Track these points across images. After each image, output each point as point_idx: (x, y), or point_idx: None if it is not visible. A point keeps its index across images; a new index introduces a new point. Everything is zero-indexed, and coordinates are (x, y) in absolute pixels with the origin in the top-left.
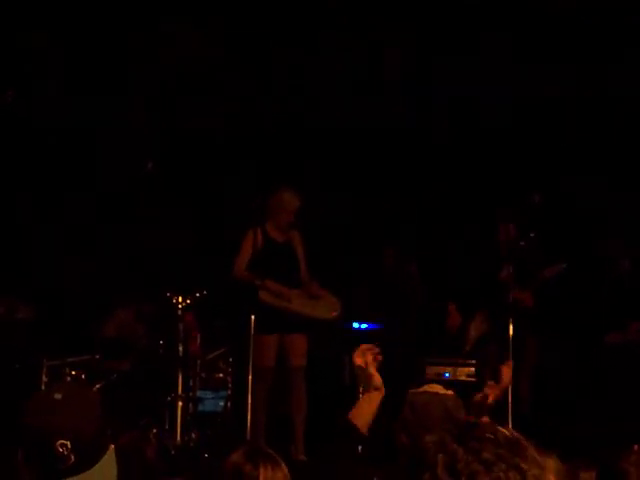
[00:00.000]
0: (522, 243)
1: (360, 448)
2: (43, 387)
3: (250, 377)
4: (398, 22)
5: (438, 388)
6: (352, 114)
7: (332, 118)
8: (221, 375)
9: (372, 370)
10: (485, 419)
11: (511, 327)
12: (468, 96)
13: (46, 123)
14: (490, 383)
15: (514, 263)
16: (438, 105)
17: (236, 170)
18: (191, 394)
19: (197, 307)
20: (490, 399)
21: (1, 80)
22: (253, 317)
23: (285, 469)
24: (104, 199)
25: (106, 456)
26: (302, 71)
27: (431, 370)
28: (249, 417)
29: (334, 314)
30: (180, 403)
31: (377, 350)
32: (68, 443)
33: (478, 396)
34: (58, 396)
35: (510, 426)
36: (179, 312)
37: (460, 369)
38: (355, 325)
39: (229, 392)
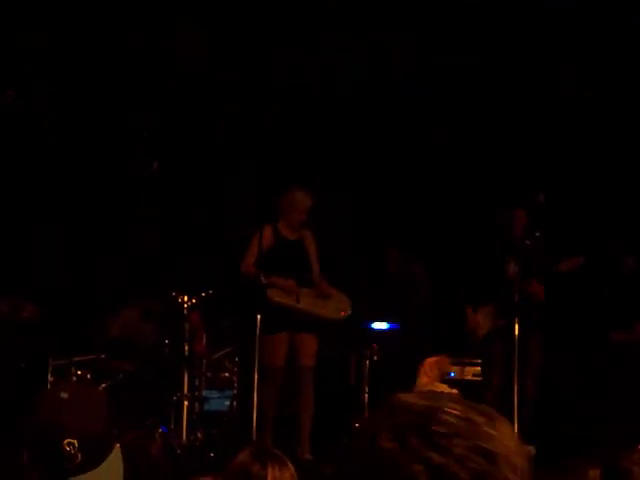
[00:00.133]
0: (527, 242)
1: None
2: (49, 387)
3: (256, 376)
4: (398, 22)
5: (443, 387)
6: (352, 114)
7: (332, 118)
8: (227, 374)
9: (437, 384)
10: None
11: (517, 327)
12: (468, 96)
13: (46, 123)
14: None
15: (519, 262)
16: (438, 105)
17: (236, 170)
18: (197, 393)
19: (203, 306)
20: None
21: (1, 80)
22: (259, 317)
23: (292, 469)
24: (104, 199)
25: (112, 455)
26: (302, 71)
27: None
28: (255, 416)
29: (343, 314)
30: (186, 402)
31: (445, 361)
32: (75, 442)
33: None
34: (64, 395)
35: (516, 425)
36: (185, 311)
37: (466, 368)
38: (374, 325)
39: (235, 391)
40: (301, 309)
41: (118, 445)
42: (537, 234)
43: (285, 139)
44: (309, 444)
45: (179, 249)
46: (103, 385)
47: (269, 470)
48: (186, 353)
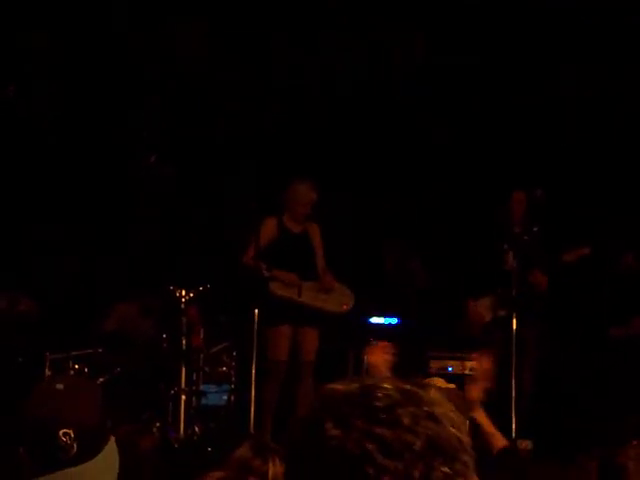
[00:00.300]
0: (525, 237)
1: None
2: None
3: (253, 371)
4: (398, 22)
5: (440, 382)
6: (352, 114)
7: (332, 118)
8: (224, 369)
9: (384, 369)
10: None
11: (514, 320)
12: (468, 96)
13: (46, 123)
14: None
15: (518, 256)
16: (438, 105)
17: (236, 170)
18: (194, 388)
19: (200, 301)
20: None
21: (1, 80)
22: (257, 311)
23: None
24: (104, 199)
25: (107, 447)
26: (302, 71)
27: (435, 364)
28: (252, 411)
29: (345, 308)
30: (183, 397)
31: (392, 349)
32: (71, 432)
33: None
34: (60, 386)
35: (513, 419)
36: (182, 306)
37: (465, 363)
38: (372, 320)
39: (232, 386)
40: (303, 302)
41: (113, 437)
42: (535, 229)
43: (285, 139)
44: None
45: (179, 248)
46: (100, 379)
47: (270, 464)
48: (184, 347)
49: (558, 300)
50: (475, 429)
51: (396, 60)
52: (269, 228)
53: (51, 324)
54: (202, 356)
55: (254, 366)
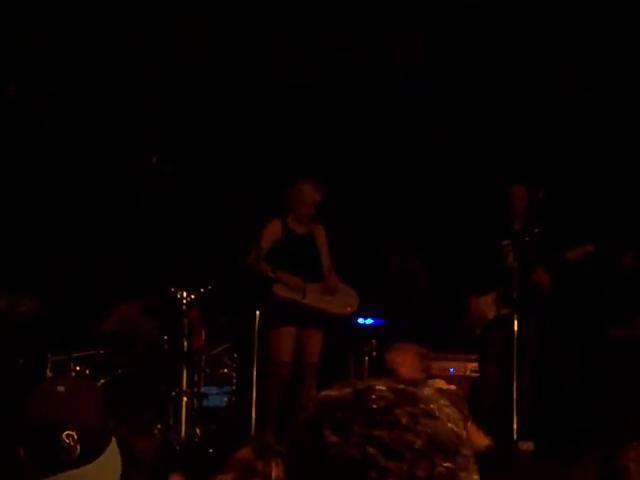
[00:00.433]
0: (527, 239)
1: None
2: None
3: (254, 373)
4: (398, 22)
5: (441, 383)
6: (352, 114)
7: (332, 118)
8: (226, 370)
9: (405, 371)
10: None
11: (515, 322)
12: (468, 96)
13: (46, 123)
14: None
15: (519, 257)
16: (438, 105)
17: (236, 170)
18: (196, 389)
19: (202, 302)
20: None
21: (1, 80)
22: (258, 313)
23: None
24: (104, 199)
25: (109, 448)
26: (302, 71)
27: (436, 365)
28: (254, 412)
29: (349, 309)
30: (185, 398)
31: (418, 350)
32: (74, 434)
33: None
34: (61, 388)
35: (515, 420)
36: (184, 307)
37: (466, 364)
38: (360, 320)
39: (234, 387)
40: (307, 304)
41: (114, 438)
42: (536, 230)
43: (285, 139)
44: None
45: (179, 249)
46: (102, 381)
47: (273, 466)
48: (185, 349)
49: (560, 299)
50: None
51: (396, 60)
52: (273, 229)
53: (52, 325)
54: (203, 358)
55: (255, 368)
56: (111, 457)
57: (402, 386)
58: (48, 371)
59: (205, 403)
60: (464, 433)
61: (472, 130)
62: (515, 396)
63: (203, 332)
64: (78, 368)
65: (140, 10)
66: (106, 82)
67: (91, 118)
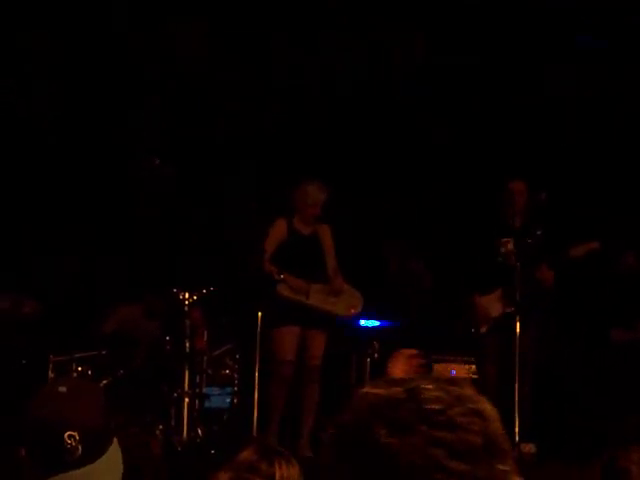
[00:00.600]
0: (529, 241)
1: None
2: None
3: (257, 374)
4: (398, 22)
5: None
6: (352, 114)
7: (332, 118)
8: (228, 371)
9: (399, 375)
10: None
11: (517, 324)
12: (468, 96)
13: (46, 123)
14: None
15: (521, 259)
16: (438, 105)
17: (236, 170)
18: (198, 390)
19: (204, 303)
20: None
21: (1, 80)
22: (260, 314)
23: (297, 466)
24: (104, 199)
25: (111, 449)
26: (302, 71)
27: (438, 367)
28: (255, 414)
29: (353, 311)
30: (186, 399)
31: (419, 358)
32: (76, 434)
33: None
34: (63, 389)
35: (516, 423)
36: (186, 308)
37: (466, 366)
38: (364, 322)
39: (236, 388)
40: (311, 305)
41: (116, 439)
42: (538, 232)
43: (285, 139)
44: (309, 441)
45: (179, 249)
46: (104, 381)
47: (276, 468)
48: (187, 350)
49: (563, 297)
50: None
51: (396, 60)
52: (279, 230)
53: (54, 326)
54: (205, 359)
55: (257, 369)
56: (113, 457)
57: (449, 385)
58: (50, 372)
59: (207, 404)
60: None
61: (472, 130)
62: (517, 398)
63: (205, 333)
64: (80, 369)
65: (140, 10)
66: (106, 82)
67: (91, 118)
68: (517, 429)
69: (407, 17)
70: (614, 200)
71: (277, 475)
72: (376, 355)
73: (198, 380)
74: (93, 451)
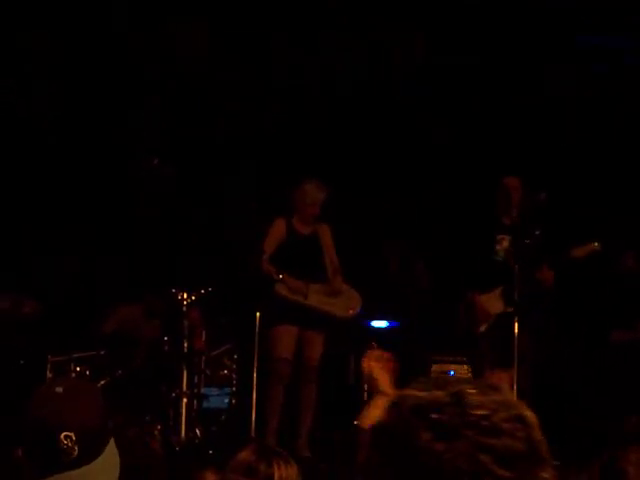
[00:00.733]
0: (527, 241)
1: None
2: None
3: (255, 374)
4: (398, 22)
5: None
6: (352, 114)
7: (332, 118)
8: (226, 372)
9: (377, 374)
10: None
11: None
12: (468, 96)
13: (46, 123)
14: None
15: (520, 260)
16: (438, 105)
17: (236, 170)
18: (196, 390)
19: (202, 303)
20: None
21: (1, 80)
22: (259, 314)
23: (295, 466)
24: (104, 199)
25: (107, 449)
26: (302, 71)
27: (436, 367)
28: (254, 414)
29: (351, 312)
30: (185, 399)
31: (387, 356)
32: (72, 435)
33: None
34: (59, 389)
35: None
36: (184, 308)
37: (466, 367)
38: (374, 324)
39: (234, 389)
40: (309, 305)
41: (113, 439)
42: (537, 232)
43: (285, 139)
44: (307, 441)
45: (179, 249)
46: (102, 382)
47: (275, 468)
48: (185, 350)
49: (563, 297)
50: None
51: (396, 60)
52: (278, 229)
53: (52, 325)
54: (203, 359)
55: (256, 369)
56: (109, 458)
57: (490, 390)
58: (48, 372)
59: (205, 404)
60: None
61: (472, 130)
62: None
63: (203, 333)
64: (78, 369)
65: (140, 10)
66: (106, 82)
67: (91, 118)
68: None
69: (407, 17)
70: (614, 200)
71: (276, 475)
72: None
73: (196, 380)
74: (90, 452)
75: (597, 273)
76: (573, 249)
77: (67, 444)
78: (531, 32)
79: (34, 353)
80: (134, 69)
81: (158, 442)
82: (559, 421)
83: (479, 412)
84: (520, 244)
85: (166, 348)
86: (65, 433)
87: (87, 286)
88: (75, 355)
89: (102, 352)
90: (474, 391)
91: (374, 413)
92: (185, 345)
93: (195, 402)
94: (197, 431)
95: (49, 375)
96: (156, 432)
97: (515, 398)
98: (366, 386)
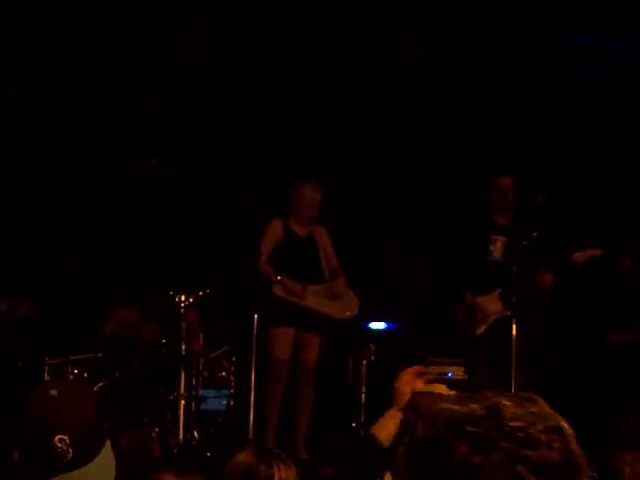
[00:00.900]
0: (525, 243)
1: None
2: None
3: (253, 376)
4: (398, 22)
5: (442, 389)
6: (352, 114)
7: (332, 118)
8: (224, 374)
9: (405, 389)
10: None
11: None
12: (468, 96)
13: (46, 123)
14: None
15: (517, 262)
16: (438, 105)
17: (236, 170)
18: (194, 392)
19: (200, 305)
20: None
21: (1, 80)
22: (256, 316)
23: (294, 468)
24: (104, 199)
25: (103, 451)
26: (302, 71)
27: (435, 369)
28: (252, 416)
29: (349, 314)
30: (183, 402)
31: (428, 373)
32: (66, 438)
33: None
34: (54, 392)
35: None
36: (182, 310)
37: (463, 368)
38: (372, 325)
39: (232, 391)
40: (306, 306)
41: (109, 441)
42: (535, 234)
43: (285, 139)
44: (304, 443)
45: (179, 249)
46: (100, 384)
47: (275, 470)
48: (183, 352)
49: (562, 300)
50: None
51: (396, 60)
52: (275, 231)
53: (50, 327)
54: (201, 361)
55: (254, 371)
56: (105, 460)
57: (525, 402)
58: (46, 374)
59: (203, 406)
60: None
61: (472, 130)
62: None
63: (201, 335)
64: (76, 371)
65: (140, 10)
66: (106, 82)
67: (91, 118)
68: None
69: (407, 17)
70: (614, 200)
71: (276, 477)
72: (372, 357)
73: (194, 382)
74: (84, 454)
75: (595, 275)
76: (574, 254)
77: (61, 447)
78: (531, 32)
79: (31, 355)
80: (134, 69)
81: (156, 444)
82: None
83: (515, 424)
84: (517, 245)
85: (164, 350)
86: (59, 436)
87: (87, 286)
88: (73, 357)
89: (100, 354)
90: (509, 403)
91: (392, 425)
92: (183, 347)
93: (193, 404)
94: (195, 433)
95: (47, 377)
96: (154, 434)
97: (551, 410)
98: (394, 397)
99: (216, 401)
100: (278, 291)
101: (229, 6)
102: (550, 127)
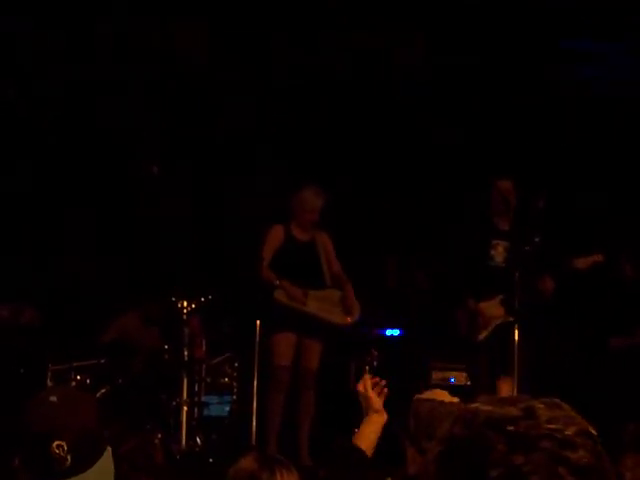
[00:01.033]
0: (527, 248)
1: None
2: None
3: (255, 382)
4: (398, 22)
5: (444, 395)
6: (352, 114)
7: (332, 118)
8: (226, 380)
9: (370, 393)
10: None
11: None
12: (468, 96)
13: (46, 123)
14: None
15: (520, 267)
16: (438, 105)
17: (236, 170)
18: (196, 399)
19: (202, 311)
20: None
21: (1, 80)
22: (259, 322)
23: (297, 473)
24: (104, 199)
25: (103, 458)
26: (302, 71)
27: (437, 375)
28: (254, 422)
29: (350, 320)
30: (185, 408)
31: (382, 383)
32: (64, 444)
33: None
34: (53, 398)
35: None
36: (184, 316)
37: (466, 374)
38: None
39: (234, 397)
40: (307, 312)
41: (110, 448)
42: (536, 239)
43: (285, 139)
44: (308, 450)
45: (179, 250)
46: (103, 390)
47: (278, 476)
48: (186, 358)
49: (563, 304)
50: None
51: (396, 60)
52: (276, 236)
53: (53, 334)
54: (204, 367)
55: (256, 377)
56: (104, 467)
57: (555, 405)
58: (49, 381)
59: (206, 412)
60: None
61: (472, 130)
62: None
63: (204, 341)
64: (79, 377)
65: (140, 10)
66: (106, 82)
67: (91, 118)
68: None
69: (407, 17)
70: (613, 201)
71: None
72: (375, 363)
73: (197, 388)
74: (83, 460)
75: (596, 280)
76: (576, 260)
77: (59, 453)
78: (531, 32)
79: (34, 361)
80: (134, 69)
81: (159, 451)
82: None
83: (552, 426)
84: (519, 250)
85: (166, 356)
86: (57, 442)
87: (87, 287)
88: (75, 364)
89: (102, 361)
90: (542, 406)
91: (369, 431)
92: (185, 353)
93: (195, 410)
94: (197, 439)
95: (49, 384)
96: (157, 440)
97: (577, 414)
98: (363, 404)
99: (218, 407)
100: (279, 297)
101: (229, 6)
102: (550, 127)
